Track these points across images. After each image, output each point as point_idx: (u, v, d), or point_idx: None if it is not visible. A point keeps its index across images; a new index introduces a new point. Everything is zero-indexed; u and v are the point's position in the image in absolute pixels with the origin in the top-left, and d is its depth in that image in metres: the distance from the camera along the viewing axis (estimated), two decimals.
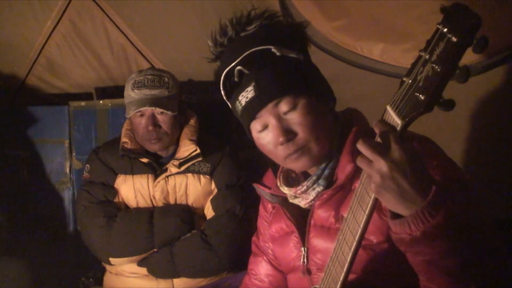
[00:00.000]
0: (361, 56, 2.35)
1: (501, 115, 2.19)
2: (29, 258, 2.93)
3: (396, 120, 1.07)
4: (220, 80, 1.50)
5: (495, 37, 1.96)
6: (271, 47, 1.43)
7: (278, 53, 1.42)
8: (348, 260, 1.23)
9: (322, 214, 1.51)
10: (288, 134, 1.42)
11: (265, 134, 1.47)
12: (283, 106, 1.42)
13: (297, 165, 1.50)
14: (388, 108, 1.10)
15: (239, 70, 1.44)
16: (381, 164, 1.07)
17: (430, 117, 2.18)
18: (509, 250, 1.22)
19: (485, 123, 2.24)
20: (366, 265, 1.42)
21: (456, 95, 2.20)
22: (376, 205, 1.16)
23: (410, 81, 1.04)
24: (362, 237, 1.19)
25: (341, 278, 1.27)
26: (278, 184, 1.61)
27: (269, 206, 1.79)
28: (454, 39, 0.96)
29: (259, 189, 1.70)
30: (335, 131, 1.52)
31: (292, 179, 1.62)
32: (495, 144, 2.25)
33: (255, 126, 1.48)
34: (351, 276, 1.34)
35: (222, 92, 1.50)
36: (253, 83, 1.43)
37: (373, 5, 2.25)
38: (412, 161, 1.07)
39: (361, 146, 1.10)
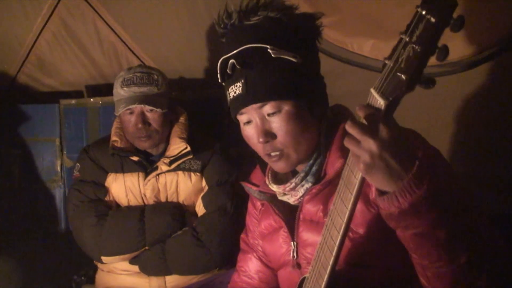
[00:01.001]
0: (352, 53, 2.35)
1: (491, 110, 2.19)
2: (20, 256, 2.91)
3: (380, 101, 1.10)
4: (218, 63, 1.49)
5: (484, 32, 1.97)
6: (268, 46, 1.40)
7: (273, 55, 1.40)
8: (337, 244, 1.25)
9: (311, 209, 1.52)
10: (267, 135, 1.46)
11: (249, 128, 1.50)
12: (268, 108, 1.44)
13: (275, 166, 1.53)
14: (372, 90, 1.12)
15: (232, 64, 1.44)
16: (371, 144, 1.09)
17: (421, 112, 2.19)
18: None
19: (474, 118, 2.25)
20: (355, 257, 1.44)
21: (445, 91, 2.21)
22: (363, 186, 1.18)
23: (391, 63, 1.07)
24: (350, 219, 1.22)
25: (330, 263, 1.28)
26: (267, 181, 1.63)
27: (258, 203, 1.80)
28: (432, 19, 0.99)
29: (247, 187, 1.72)
30: (321, 129, 1.52)
31: (281, 176, 1.63)
32: (485, 139, 2.26)
33: (241, 118, 1.51)
34: (340, 268, 1.37)
35: (218, 76, 1.49)
36: (242, 80, 1.43)
37: (364, 1, 2.25)
38: (398, 139, 1.11)
39: (349, 127, 1.12)
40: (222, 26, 1.51)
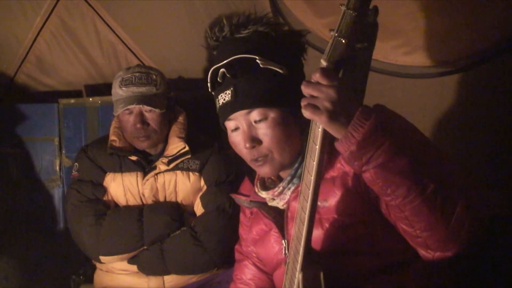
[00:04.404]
0: None
1: (488, 111, 2.20)
2: (19, 256, 2.92)
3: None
4: (209, 73, 1.58)
5: (483, 33, 1.98)
6: (256, 57, 1.48)
7: (261, 65, 1.48)
8: (307, 213, 1.31)
9: (297, 206, 1.54)
10: (253, 141, 1.53)
11: (236, 135, 1.57)
12: (255, 115, 1.52)
13: (260, 171, 1.61)
14: (322, 60, 1.21)
15: (223, 72, 1.52)
16: (330, 91, 1.17)
17: (417, 114, 2.19)
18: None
19: (472, 119, 2.26)
20: (342, 245, 1.48)
21: (443, 91, 2.21)
22: (324, 151, 1.25)
23: (336, 33, 1.17)
24: (317, 185, 1.28)
25: (304, 234, 1.33)
26: (256, 190, 1.69)
27: (247, 211, 1.88)
28: None
29: (237, 198, 1.81)
30: (305, 134, 1.55)
31: (269, 183, 1.70)
32: (482, 141, 2.27)
33: (229, 125, 1.58)
34: (327, 257, 1.43)
35: (209, 85, 1.58)
36: (231, 88, 1.51)
37: None
38: (348, 88, 1.20)
39: (306, 86, 1.21)
40: (214, 39, 1.60)
